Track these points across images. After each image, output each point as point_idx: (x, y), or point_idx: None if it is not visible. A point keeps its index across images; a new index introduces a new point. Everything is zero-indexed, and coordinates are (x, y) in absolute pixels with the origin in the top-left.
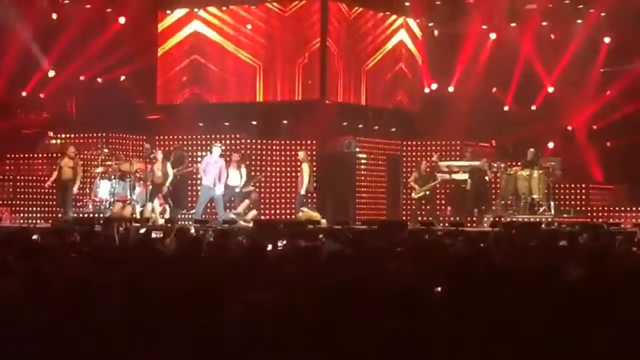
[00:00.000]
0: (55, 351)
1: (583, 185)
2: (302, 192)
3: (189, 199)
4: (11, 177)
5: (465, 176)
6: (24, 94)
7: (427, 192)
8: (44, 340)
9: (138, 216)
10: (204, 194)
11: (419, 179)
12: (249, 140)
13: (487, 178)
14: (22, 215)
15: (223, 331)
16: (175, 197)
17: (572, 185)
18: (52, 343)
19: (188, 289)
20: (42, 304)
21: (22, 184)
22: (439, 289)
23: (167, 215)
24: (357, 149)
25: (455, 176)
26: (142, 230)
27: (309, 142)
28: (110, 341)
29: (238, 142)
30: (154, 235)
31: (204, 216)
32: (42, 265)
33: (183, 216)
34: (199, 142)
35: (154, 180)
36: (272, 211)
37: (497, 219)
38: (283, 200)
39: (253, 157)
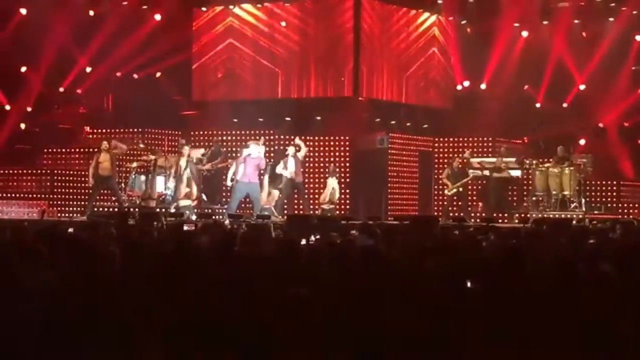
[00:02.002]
0: (86, 341)
1: (614, 182)
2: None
3: (224, 193)
4: (48, 171)
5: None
6: (61, 89)
7: (461, 189)
8: (76, 331)
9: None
10: (239, 189)
11: (451, 176)
12: (282, 136)
13: (506, 175)
14: (58, 209)
15: (258, 324)
16: (210, 191)
17: (603, 182)
18: (83, 334)
19: (222, 282)
20: (78, 297)
21: (59, 178)
22: (469, 284)
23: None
24: (390, 145)
25: (486, 172)
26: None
27: (341, 138)
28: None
29: (272, 137)
30: (186, 228)
31: (238, 211)
32: (76, 258)
33: (218, 210)
34: (233, 137)
35: (180, 173)
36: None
37: (524, 216)
38: (317, 196)
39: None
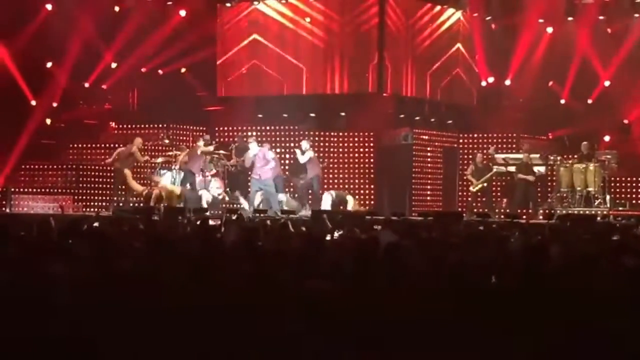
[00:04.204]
0: (113, 335)
1: (639, 179)
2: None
3: (248, 189)
4: (74, 166)
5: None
6: (86, 85)
7: (485, 185)
8: (101, 324)
9: (205, 205)
10: (253, 185)
11: (475, 172)
12: (307, 132)
13: (530, 178)
14: (84, 203)
15: (280, 317)
16: (234, 187)
17: (628, 179)
18: (109, 326)
19: (247, 277)
20: (105, 290)
21: (85, 173)
22: (493, 279)
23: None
24: (414, 141)
25: (510, 168)
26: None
27: (366, 133)
28: (170, 327)
29: (296, 133)
30: (211, 223)
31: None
32: (102, 252)
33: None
34: (258, 133)
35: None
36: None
37: (548, 212)
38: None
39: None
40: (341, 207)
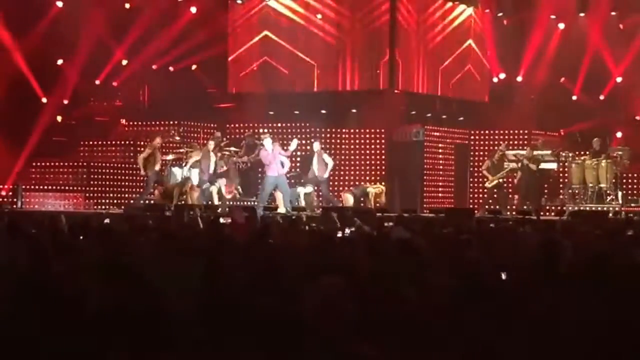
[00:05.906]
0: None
1: None
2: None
3: (259, 186)
4: (85, 163)
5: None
6: (97, 82)
7: (500, 180)
8: (109, 321)
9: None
10: (269, 183)
11: (491, 168)
12: (318, 129)
13: (533, 167)
14: (95, 201)
15: (293, 315)
16: (245, 184)
17: None
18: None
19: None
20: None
21: (96, 170)
22: (504, 275)
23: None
24: (425, 138)
25: (513, 165)
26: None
27: (377, 130)
28: (179, 328)
29: (308, 130)
30: (222, 221)
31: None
32: (112, 249)
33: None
34: (269, 130)
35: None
36: (341, 198)
37: (560, 208)
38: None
39: (322, 145)
40: (363, 202)
